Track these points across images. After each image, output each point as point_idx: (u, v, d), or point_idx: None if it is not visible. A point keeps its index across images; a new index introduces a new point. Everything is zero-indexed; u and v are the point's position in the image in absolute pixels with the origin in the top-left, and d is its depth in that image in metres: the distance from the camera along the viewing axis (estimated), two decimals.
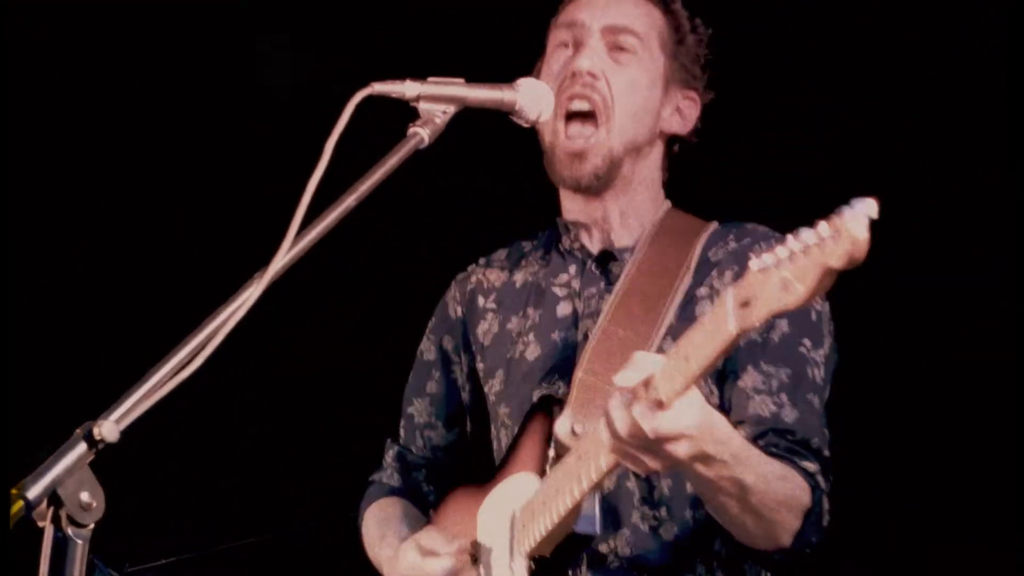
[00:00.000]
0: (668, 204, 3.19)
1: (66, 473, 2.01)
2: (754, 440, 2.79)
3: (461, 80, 2.68)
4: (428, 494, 3.29)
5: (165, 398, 2.14)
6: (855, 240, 2.09)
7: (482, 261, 3.31)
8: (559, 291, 3.14)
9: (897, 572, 4.55)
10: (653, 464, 2.52)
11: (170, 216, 5.10)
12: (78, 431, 2.05)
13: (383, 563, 3.15)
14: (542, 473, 2.86)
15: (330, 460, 5.09)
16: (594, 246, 3.14)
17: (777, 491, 2.73)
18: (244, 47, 4.88)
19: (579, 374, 2.95)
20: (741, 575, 2.95)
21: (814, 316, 2.98)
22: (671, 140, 3.18)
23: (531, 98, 2.81)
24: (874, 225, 2.09)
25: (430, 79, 2.64)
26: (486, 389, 3.18)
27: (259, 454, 5.29)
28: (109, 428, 2.05)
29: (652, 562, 2.90)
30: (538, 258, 3.22)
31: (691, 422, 2.46)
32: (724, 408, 2.93)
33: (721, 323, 2.32)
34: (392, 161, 2.47)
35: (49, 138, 4.93)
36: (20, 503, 1.96)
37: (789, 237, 2.19)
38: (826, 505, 2.83)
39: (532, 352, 3.11)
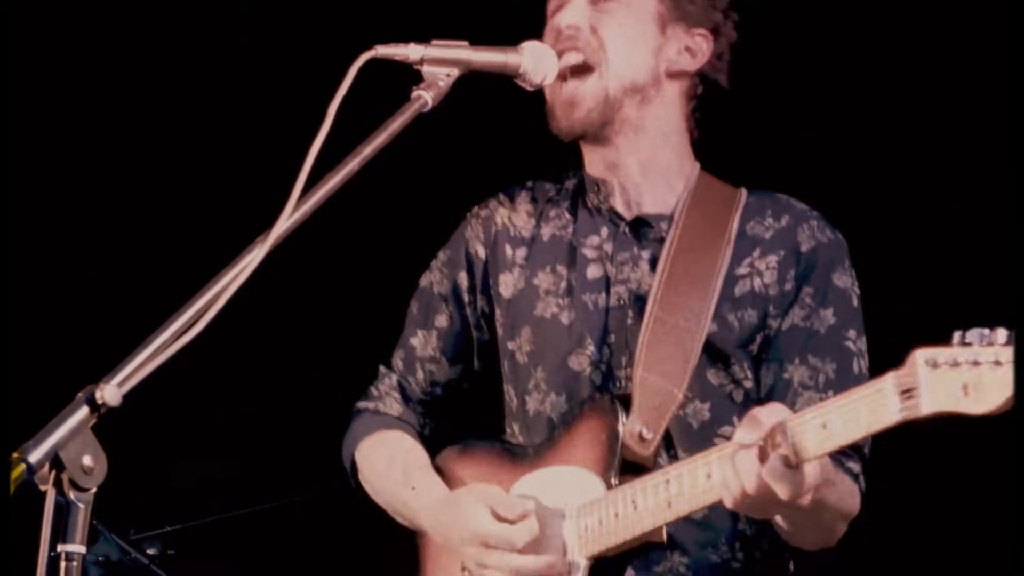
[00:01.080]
0: (698, 167, 3.16)
1: (68, 437, 2.00)
2: None
3: (465, 43, 2.67)
4: (425, 427, 3.25)
5: (169, 362, 2.13)
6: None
7: (505, 200, 3.24)
8: (589, 252, 3.11)
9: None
10: (766, 514, 2.66)
11: (176, 179, 5.09)
12: (80, 395, 2.04)
13: (402, 500, 3.10)
14: (604, 476, 2.86)
15: (338, 427, 5.09)
16: (624, 208, 3.11)
17: (845, 508, 2.82)
18: (249, 9, 4.86)
19: (639, 371, 2.93)
20: (761, 553, 2.96)
21: (855, 302, 3.01)
22: (695, 85, 3.13)
23: (535, 61, 2.81)
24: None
25: (433, 42, 2.63)
26: (510, 345, 3.14)
27: (265, 421, 5.30)
28: (111, 392, 2.04)
29: (679, 540, 2.91)
30: (565, 210, 3.18)
31: (818, 476, 2.54)
32: (757, 392, 2.96)
33: (880, 409, 2.38)
34: (395, 125, 2.47)
35: (42, 113, 4.92)
36: (21, 467, 1.95)
37: (961, 337, 2.27)
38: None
39: (564, 314, 3.08)
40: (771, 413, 2.54)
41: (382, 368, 3.30)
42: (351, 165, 2.38)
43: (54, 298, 5.07)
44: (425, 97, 2.54)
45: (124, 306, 4.79)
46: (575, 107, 3.03)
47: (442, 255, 3.26)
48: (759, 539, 2.93)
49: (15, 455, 1.98)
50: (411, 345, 3.25)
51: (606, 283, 3.06)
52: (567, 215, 3.17)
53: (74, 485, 1.99)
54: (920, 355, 2.30)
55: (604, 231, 3.11)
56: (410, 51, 2.58)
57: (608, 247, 3.09)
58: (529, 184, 3.26)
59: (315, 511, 5.16)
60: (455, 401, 3.26)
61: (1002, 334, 2.23)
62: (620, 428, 2.87)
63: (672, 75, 3.09)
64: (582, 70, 3.02)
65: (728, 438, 2.81)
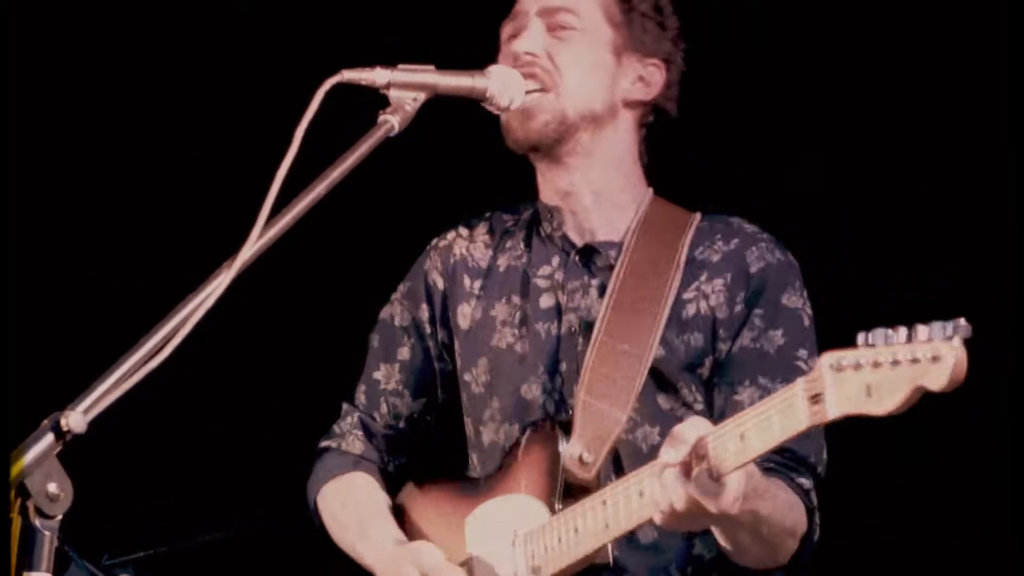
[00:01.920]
0: (650, 193, 3.19)
1: (33, 464, 1.99)
2: None
3: (432, 67, 2.68)
4: (389, 463, 3.26)
5: (137, 387, 2.13)
6: (956, 368, 2.21)
7: (463, 231, 3.27)
8: (542, 282, 3.13)
9: None
10: (700, 526, 2.67)
11: (141, 205, 5.07)
12: (45, 422, 2.03)
13: (358, 552, 3.13)
14: (548, 501, 2.87)
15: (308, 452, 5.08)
16: (576, 236, 3.13)
17: (786, 520, 2.81)
18: (215, 33, 4.86)
19: (581, 395, 2.95)
20: None
21: (807, 322, 3.02)
22: (647, 113, 3.17)
23: (502, 84, 2.82)
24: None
25: (400, 66, 2.63)
26: (467, 376, 3.16)
27: (238, 446, 5.27)
28: (76, 419, 2.03)
29: (628, 564, 2.92)
30: (520, 240, 3.20)
31: (742, 486, 2.55)
32: (710, 415, 2.95)
33: (791, 415, 2.41)
34: (362, 149, 2.47)
35: None
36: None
37: (865, 338, 2.28)
38: (817, 521, 2.91)
39: (518, 344, 3.10)
40: (692, 428, 2.55)
41: (345, 405, 3.31)
42: (318, 190, 2.37)
43: (21, 324, 5.05)
44: (392, 122, 2.54)
45: (91, 330, 4.77)
46: (531, 118, 3.04)
47: (402, 287, 3.29)
48: (718, 562, 2.92)
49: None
50: (374, 379, 3.27)
51: (558, 311, 3.09)
52: (522, 245, 3.20)
53: (40, 512, 1.98)
54: (825, 359, 2.33)
55: (556, 260, 3.13)
56: (376, 75, 2.59)
57: (559, 276, 3.12)
58: (487, 215, 3.29)
59: (289, 536, 5.14)
60: (420, 434, 3.27)
61: (903, 333, 2.24)
62: (560, 452, 2.88)
63: (627, 104, 3.13)
64: (541, 92, 3.04)
65: None
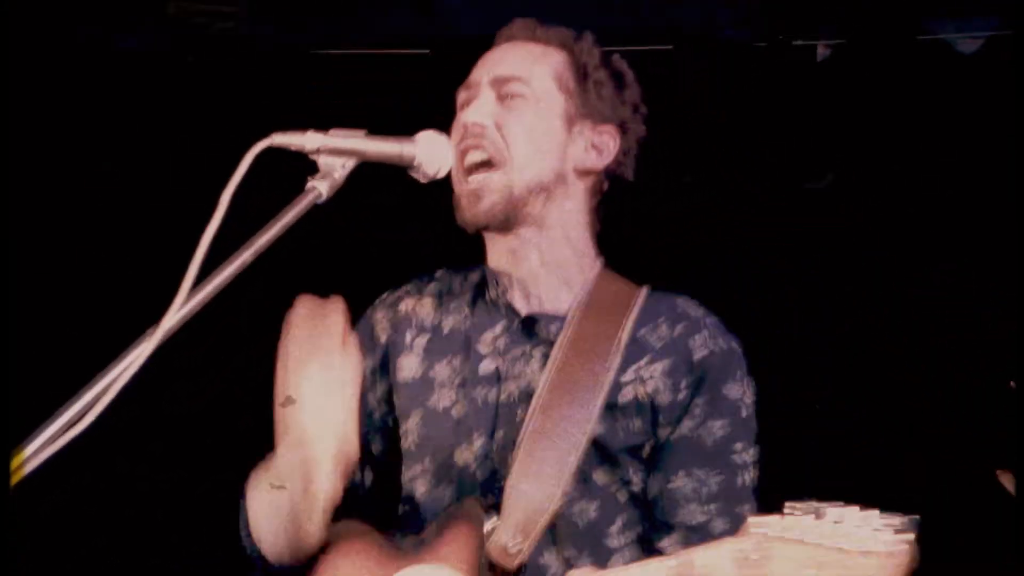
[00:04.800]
0: (600, 263, 3.15)
1: None
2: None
3: (363, 132, 2.66)
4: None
5: (56, 456, 2.10)
6: (904, 564, 2.17)
7: (412, 289, 3.22)
8: (483, 348, 3.10)
9: None
10: None
11: (66, 268, 5.05)
12: None
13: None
14: None
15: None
16: (522, 304, 3.10)
17: None
18: (147, 93, 4.86)
19: (511, 481, 2.93)
20: None
21: (745, 413, 3.02)
22: (601, 181, 3.14)
23: (430, 152, 2.80)
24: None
25: (332, 131, 2.62)
26: (401, 429, 3.12)
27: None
28: None
29: None
30: (467, 302, 3.16)
31: None
32: (646, 496, 2.97)
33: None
34: (290, 216, 2.46)
35: None
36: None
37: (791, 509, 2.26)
38: None
39: (454, 408, 3.07)
40: None
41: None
42: (243, 257, 2.35)
43: None
44: (319, 188, 2.53)
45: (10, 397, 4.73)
46: (479, 199, 3.02)
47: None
48: None
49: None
50: None
51: (497, 378, 3.06)
52: (467, 308, 3.16)
53: None
54: (754, 523, 2.30)
55: (499, 326, 3.10)
56: (307, 140, 2.57)
57: (501, 342, 3.08)
58: (438, 274, 3.24)
59: None
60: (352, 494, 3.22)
61: (833, 512, 2.21)
62: (485, 535, 2.86)
63: (578, 172, 3.10)
64: (487, 166, 3.02)
65: (615, 537, 2.91)
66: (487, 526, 2.87)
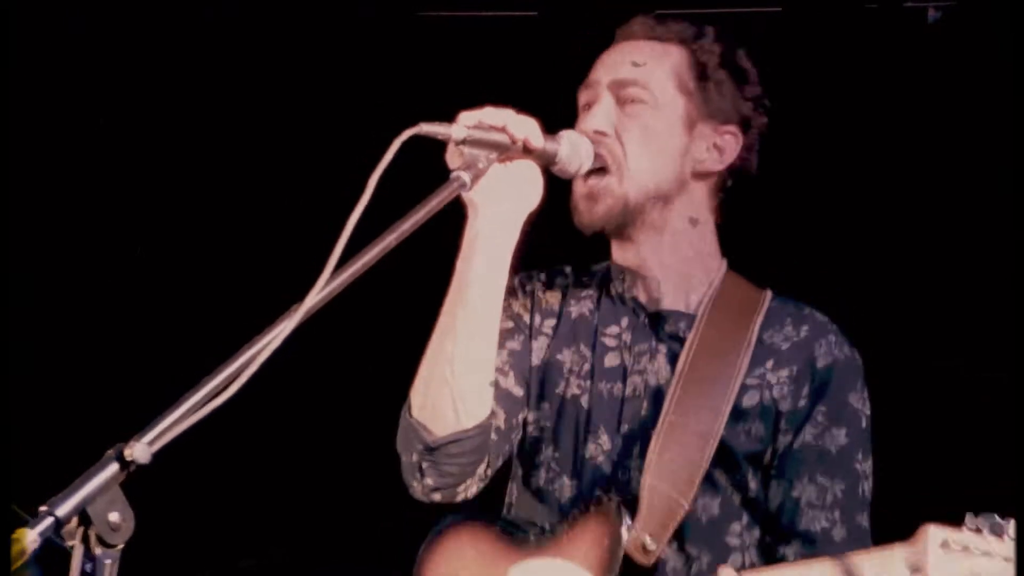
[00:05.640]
0: (724, 265, 3.15)
1: (96, 493, 2.01)
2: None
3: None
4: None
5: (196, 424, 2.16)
6: None
7: (541, 276, 3.21)
8: (609, 341, 3.11)
9: None
10: None
11: (216, 246, 5.13)
12: (110, 452, 2.05)
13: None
14: None
15: (345, 486, 5.13)
16: (647, 300, 3.10)
17: None
18: (290, 80, 4.92)
19: (648, 479, 2.93)
20: None
21: (865, 423, 3.03)
22: (724, 179, 3.13)
23: (572, 150, 2.84)
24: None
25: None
26: (530, 415, 3.11)
27: (280, 476, 5.31)
28: (141, 450, 2.05)
29: None
30: (592, 295, 3.16)
31: None
32: (766, 502, 2.99)
33: None
34: (434, 202, 2.50)
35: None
36: (21, 545, 1.96)
37: (973, 522, 2.30)
38: None
39: (584, 398, 3.07)
40: None
41: None
42: (387, 240, 2.40)
43: (88, 355, 5.10)
44: (464, 178, 2.58)
45: (158, 366, 4.83)
46: (596, 201, 3.03)
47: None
48: None
49: (42, 508, 2.00)
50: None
51: (623, 373, 3.07)
52: (592, 301, 3.16)
53: (101, 541, 2.00)
54: (932, 534, 2.32)
55: (625, 321, 3.11)
56: (453, 131, 2.62)
57: (627, 337, 3.10)
58: (566, 269, 3.25)
59: (327, 566, 5.18)
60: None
61: (1012, 527, 2.25)
62: (624, 536, 2.87)
63: (699, 174, 3.10)
64: (603, 171, 3.02)
65: (737, 536, 2.94)
66: (625, 524, 2.88)
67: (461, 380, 2.87)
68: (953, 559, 2.29)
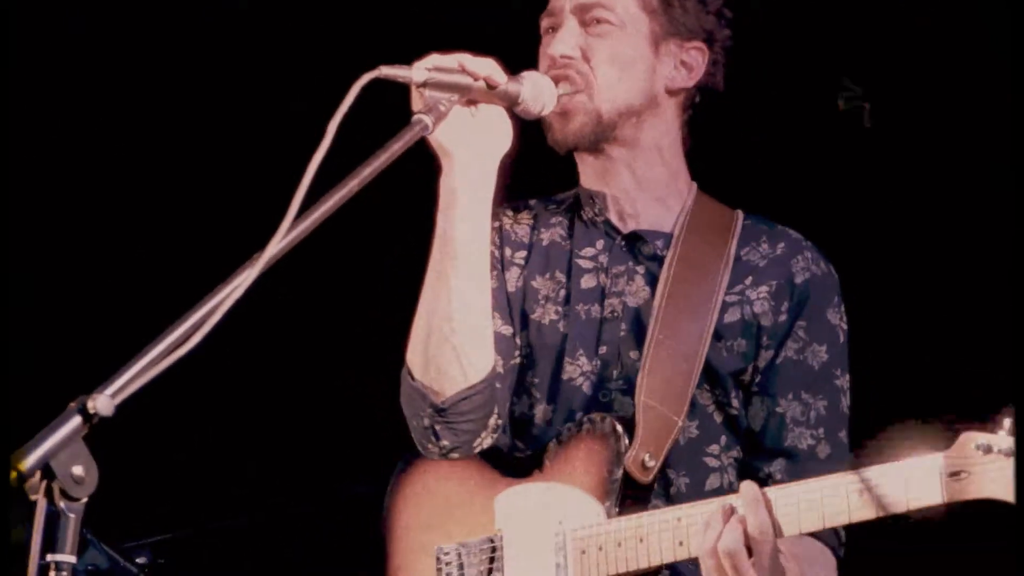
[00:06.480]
0: (695, 187, 3.18)
1: (59, 446, 1.99)
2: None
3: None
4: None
5: (161, 375, 2.14)
6: None
7: (506, 209, 3.21)
8: (584, 263, 3.12)
9: None
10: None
11: (172, 194, 5.11)
12: (72, 404, 2.03)
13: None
14: (602, 501, 2.86)
15: (328, 440, 5.12)
16: (620, 222, 3.12)
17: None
18: (250, 26, 4.88)
19: (641, 397, 2.94)
20: None
21: (843, 339, 3.05)
22: (691, 96, 3.15)
23: (535, 91, 2.83)
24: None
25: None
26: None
27: (259, 429, 5.31)
28: (104, 402, 2.03)
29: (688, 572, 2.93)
30: (563, 222, 3.18)
31: None
32: (741, 419, 3.00)
33: (924, 489, 2.43)
34: (395, 147, 2.47)
35: (48, 116, 4.94)
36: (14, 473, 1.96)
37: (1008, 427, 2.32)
38: (841, 554, 2.96)
39: (561, 322, 3.08)
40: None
41: None
42: (349, 186, 2.37)
43: (50, 309, 5.08)
44: (426, 121, 2.55)
45: (119, 317, 4.81)
46: (569, 118, 3.03)
47: None
48: None
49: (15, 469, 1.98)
50: None
51: (600, 294, 3.08)
52: (564, 227, 3.17)
53: (64, 495, 1.98)
54: (975, 438, 2.35)
55: (600, 243, 3.12)
56: (414, 73, 2.60)
57: (603, 259, 3.11)
58: (531, 202, 3.25)
59: (308, 522, 5.17)
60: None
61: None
62: (624, 454, 2.87)
63: (668, 91, 3.12)
64: (575, 93, 3.02)
65: (715, 456, 2.93)
66: (623, 447, 2.88)
67: (462, 334, 2.88)
68: (995, 461, 2.32)
